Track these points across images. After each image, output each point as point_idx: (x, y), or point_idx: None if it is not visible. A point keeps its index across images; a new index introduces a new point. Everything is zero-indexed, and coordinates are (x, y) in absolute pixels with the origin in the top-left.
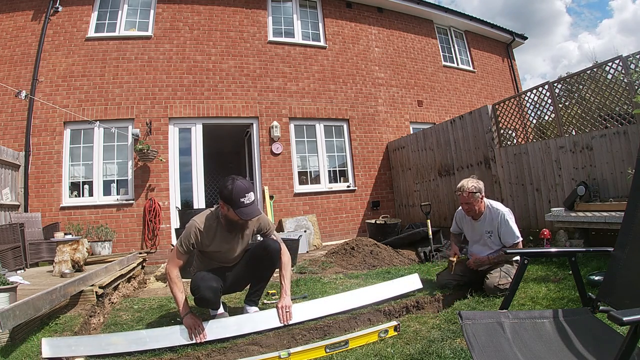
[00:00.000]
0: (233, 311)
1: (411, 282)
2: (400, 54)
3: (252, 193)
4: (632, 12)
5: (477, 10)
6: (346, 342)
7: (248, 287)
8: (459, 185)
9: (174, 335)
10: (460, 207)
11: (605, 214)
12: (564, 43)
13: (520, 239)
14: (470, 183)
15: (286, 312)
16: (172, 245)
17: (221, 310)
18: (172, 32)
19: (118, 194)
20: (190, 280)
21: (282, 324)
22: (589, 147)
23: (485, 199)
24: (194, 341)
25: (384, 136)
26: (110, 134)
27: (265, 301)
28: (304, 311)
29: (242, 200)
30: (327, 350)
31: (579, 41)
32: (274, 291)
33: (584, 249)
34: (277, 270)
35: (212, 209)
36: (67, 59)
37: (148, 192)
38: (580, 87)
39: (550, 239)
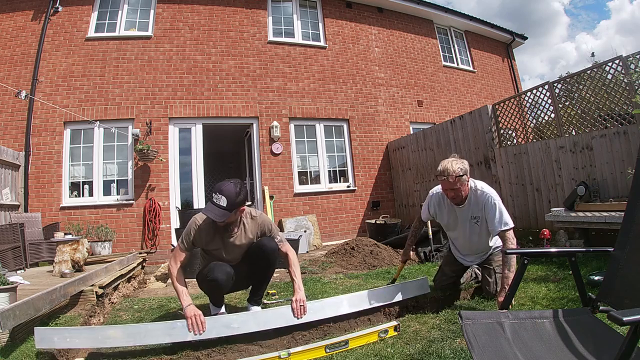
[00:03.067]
0: (233, 311)
1: (420, 286)
2: (400, 54)
3: (223, 197)
4: (629, 13)
5: (473, 11)
6: (346, 342)
7: (250, 287)
8: (441, 167)
9: (173, 330)
10: (434, 190)
11: (605, 214)
12: (561, 44)
13: (511, 225)
14: (456, 165)
15: (300, 306)
16: (173, 245)
17: (222, 310)
18: (172, 32)
19: (118, 194)
20: (194, 279)
21: (297, 318)
22: (589, 147)
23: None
24: (192, 333)
25: (384, 136)
26: (110, 134)
27: (265, 301)
28: (310, 312)
29: (212, 194)
30: (327, 350)
31: (577, 42)
32: (273, 291)
33: (584, 249)
34: (288, 268)
35: None
36: (67, 59)
37: (148, 192)
38: (580, 87)
39: (550, 239)
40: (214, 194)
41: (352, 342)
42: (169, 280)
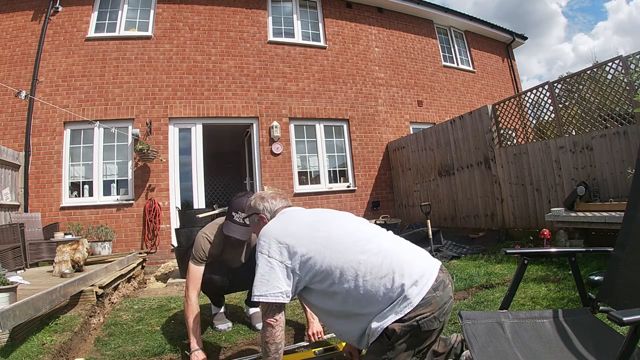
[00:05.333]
0: (233, 311)
1: None
2: (400, 54)
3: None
4: (627, 14)
5: (470, 13)
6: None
7: (250, 288)
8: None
9: None
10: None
11: (605, 214)
12: (559, 45)
13: (262, 297)
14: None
15: (318, 338)
16: (173, 245)
17: (222, 309)
18: (172, 32)
19: (118, 194)
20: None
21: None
22: (589, 147)
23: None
24: None
25: (384, 136)
26: (110, 134)
27: None
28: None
29: (233, 214)
30: (316, 353)
31: (574, 43)
32: None
33: (584, 249)
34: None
35: (219, 220)
36: (67, 59)
37: (148, 192)
38: (580, 87)
39: (550, 239)
40: (234, 213)
41: (342, 346)
42: (169, 280)
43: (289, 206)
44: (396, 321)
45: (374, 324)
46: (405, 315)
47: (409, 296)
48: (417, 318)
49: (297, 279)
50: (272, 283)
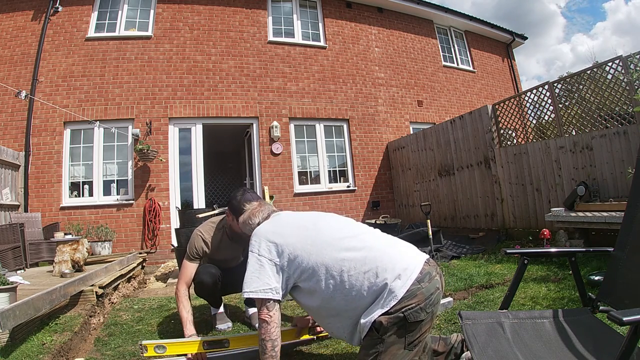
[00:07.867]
0: (233, 311)
1: None
2: (400, 54)
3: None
4: (625, 14)
5: (468, 13)
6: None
7: None
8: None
9: None
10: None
11: (605, 214)
12: (557, 45)
13: (252, 293)
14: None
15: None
16: (173, 245)
17: (221, 309)
18: (172, 32)
19: (118, 194)
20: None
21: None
22: (589, 147)
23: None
24: None
25: (384, 136)
26: (110, 134)
27: None
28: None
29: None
30: (310, 334)
31: (573, 43)
32: None
33: (584, 249)
34: None
35: (215, 219)
36: (67, 59)
37: (148, 192)
38: (580, 87)
39: (550, 239)
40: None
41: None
42: (169, 280)
43: (274, 211)
44: (383, 314)
45: (363, 320)
46: (391, 308)
47: (393, 289)
48: (403, 310)
49: (286, 276)
50: (262, 280)
